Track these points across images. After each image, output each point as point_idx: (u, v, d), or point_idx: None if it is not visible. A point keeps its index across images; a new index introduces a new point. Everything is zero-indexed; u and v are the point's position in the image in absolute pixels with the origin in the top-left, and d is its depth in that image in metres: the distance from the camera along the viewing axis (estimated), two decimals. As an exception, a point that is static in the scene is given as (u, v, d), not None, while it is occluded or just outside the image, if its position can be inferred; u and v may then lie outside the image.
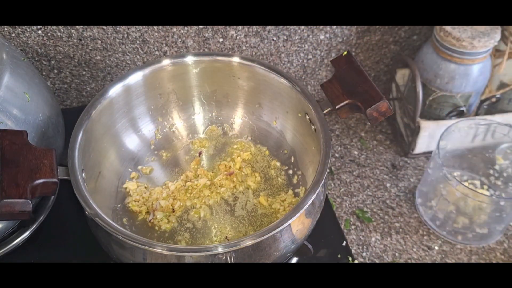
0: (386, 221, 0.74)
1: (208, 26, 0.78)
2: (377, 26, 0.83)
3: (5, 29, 0.73)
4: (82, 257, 0.64)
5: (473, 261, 0.70)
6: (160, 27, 0.77)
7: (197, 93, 0.71)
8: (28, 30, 0.73)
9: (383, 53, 0.88)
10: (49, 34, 0.75)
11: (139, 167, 0.69)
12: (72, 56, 0.78)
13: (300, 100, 0.63)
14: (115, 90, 0.63)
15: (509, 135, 0.73)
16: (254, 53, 0.83)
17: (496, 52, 0.78)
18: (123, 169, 0.67)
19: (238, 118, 0.73)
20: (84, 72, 0.81)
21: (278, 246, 0.53)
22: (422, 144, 0.80)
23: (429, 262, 0.70)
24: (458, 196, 0.68)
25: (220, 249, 0.49)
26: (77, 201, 0.52)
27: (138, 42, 0.78)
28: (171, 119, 0.72)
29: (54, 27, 0.74)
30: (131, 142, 0.69)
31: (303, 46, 0.83)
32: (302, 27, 0.80)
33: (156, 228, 0.63)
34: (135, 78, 0.65)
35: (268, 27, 0.79)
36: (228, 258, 0.51)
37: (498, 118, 0.78)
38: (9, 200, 0.47)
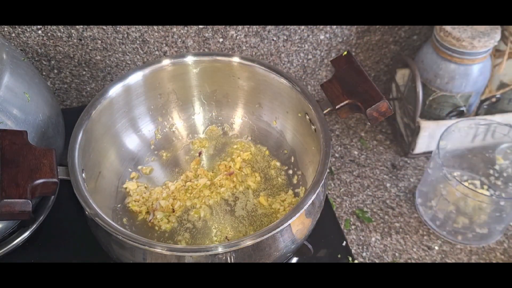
0: (386, 221, 0.74)
1: (208, 26, 0.78)
2: (377, 26, 0.83)
3: (5, 29, 0.73)
4: (82, 257, 0.64)
5: (473, 261, 0.70)
6: (160, 27, 0.77)
7: (197, 93, 0.71)
8: (28, 30, 0.73)
9: (383, 53, 0.88)
10: (49, 34, 0.75)
11: (139, 167, 0.69)
12: (72, 56, 0.78)
13: (300, 100, 0.63)
14: (115, 90, 0.63)
15: (509, 135, 0.73)
16: (254, 53, 0.83)
17: (496, 52, 0.78)
18: (123, 169, 0.67)
19: (238, 118, 0.73)
20: (84, 72, 0.81)
21: (278, 246, 0.53)
22: (422, 144, 0.80)
23: (429, 262, 0.70)
24: (458, 196, 0.68)
25: (220, 249, 0.49)
26: (77, 201, 0.52)
27: (138, 42, 0.78)
28: (171, 119, 0.72)
29: (54, 27, 0.74)
30: (131, 142, 0.69)
31: (303, 46, 0.83)
32: (302, 27, 0.80)
33: (156, 228, 0.63)
34: (135, 78, 0.65)
35: (268, 27, 0.79)
36: (228, 258, 0.51)
37: (498, 118, 0.78)
38: (9, 200, 0.47)
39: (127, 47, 0.78)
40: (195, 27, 0.78)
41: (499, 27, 0.73)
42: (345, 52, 0.62)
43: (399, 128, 0.85)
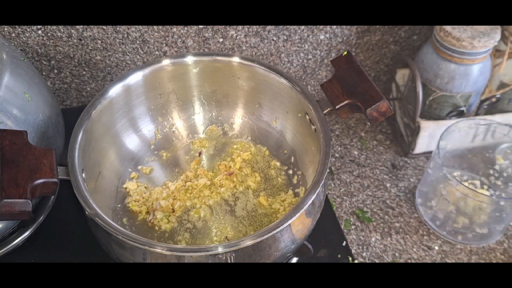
0: (386, 221, 0.74)
1: (208, 26, 0.78)
2: (377, 26, 0.83)
3: (5, 29, 0.73)
4: (82, 257, 0.64)
5: (473, 261, 0.70)
6: (160, 27, 0.77)
7: (197, 93, 0.71)
8: (28, 30, 0.73)
9: (383, 53, 0.88)
10: (49, 34, 0.75)
11: (139, 167, 0.69)
12: (72, 56, 0.78)
13: (300, 100, 0.63)
14: (115, 90, 0.63)
15: (509, 135, 0.73)
16: (254, 53, 0.83)
17: (496, 52, 0.78)
18: (123, 169, 0.67)
19: (238, 118, 0.73)
20: (84, 72, 0.81)
21: (278, 246, 0.53)
22: (422, 144, 0.80)
23: (429, 262, 0.70)
24: (458, 196, 0.68)
25: (220, 249, 0.49)
26: (77, 201, 0.52)
27: (138, 42, 0.78)
28: (171, 119, 0.72)
29: (54, 27, 0.74)
30: (131, 142, 0.69)
31: (303, 46, 0.83)
32: (302, 27, 0.80)
33: (156, 228, 0.63)
34: (135, 78, 0.65)
35: (268, 27, 0.79)
36: (228, 258, 0.51)
37: (498, 118, 0.78)
38: (9, 200, 0.47)
39: (127, 47, 0.78)
40: (195, 27, 0.78)
41: (499, 27, 0.73)
42: (345, 52, 0.62)
43: (399, 128, 0.85)
